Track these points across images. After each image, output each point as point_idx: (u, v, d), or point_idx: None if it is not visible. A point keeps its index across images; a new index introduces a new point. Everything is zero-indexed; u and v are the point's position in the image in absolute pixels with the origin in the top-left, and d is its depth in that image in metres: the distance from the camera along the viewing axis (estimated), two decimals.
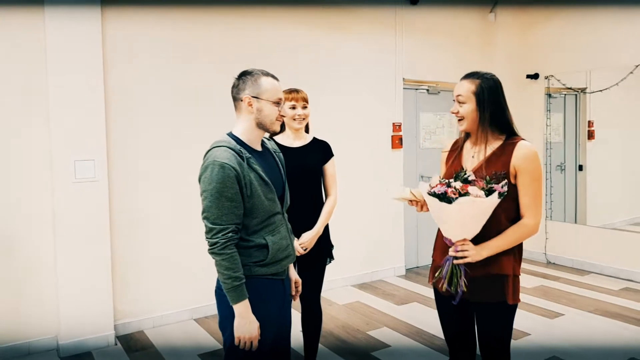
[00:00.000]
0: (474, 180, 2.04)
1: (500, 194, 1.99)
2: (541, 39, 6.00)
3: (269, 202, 2.07)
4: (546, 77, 5.98)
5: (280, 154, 2.33)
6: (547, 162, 6.08)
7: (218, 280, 2.12)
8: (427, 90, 5.88)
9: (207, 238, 1.97)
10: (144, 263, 4.21)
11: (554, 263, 5.99)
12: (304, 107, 2.99)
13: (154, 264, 4.25)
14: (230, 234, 1.96)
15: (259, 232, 2.06)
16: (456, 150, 2.31)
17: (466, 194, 1.97)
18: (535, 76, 6.05)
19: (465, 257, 2.06)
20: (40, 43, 3.71)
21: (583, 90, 5.91)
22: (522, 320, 4.23)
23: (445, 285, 2.13)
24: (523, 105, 6.18)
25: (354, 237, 5.27)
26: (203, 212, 2.00)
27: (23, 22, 3.67)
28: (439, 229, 2.24)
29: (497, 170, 2.09)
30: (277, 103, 2.09)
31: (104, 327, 3.93)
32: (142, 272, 4.21)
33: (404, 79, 5.52)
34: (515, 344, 3.80)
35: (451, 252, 2.09)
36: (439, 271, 2.18)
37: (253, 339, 1.99)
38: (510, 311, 2.17)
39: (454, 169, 2.21)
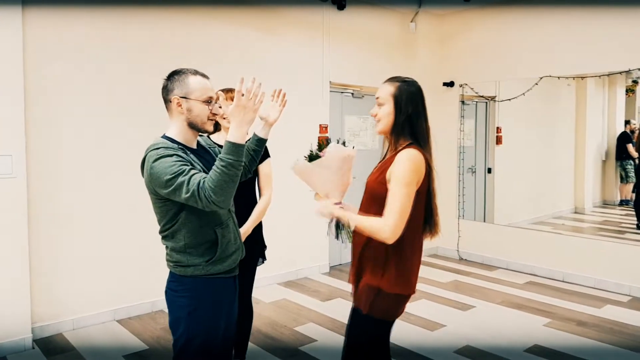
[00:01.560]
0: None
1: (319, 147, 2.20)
2: (457, 49, 6.38)
3: None
4: (461, 85, 6.37)
5: (216, 149, 2.35)
6: (459, 165, 6.47)
7: (168, 281, 2.12)
8: (352, 93, 6.07)
9: (197, 198, 1.84)
10: (63, 263, 4.06)
11: (465, 259, 6.38)
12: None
13: (74, 264, 4.11)
14: (197, 178, 1.87)
15: (207, 226, 2.04)
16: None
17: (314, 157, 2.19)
18: (451, 84, 6.42)
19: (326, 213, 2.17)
20: None
21: (493, 98, 6.35)
22: (437, 313, 4.51)
23: (334, 238, 2.26)
24: (439, 111, 6.53)
25: (280, 236, 5.35)
26: (174, 195, 1.89)
27: None
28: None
29: (380, 176, 2.10)
30: (207, 102, 2.06)
31: (21, 330, 3.76)
32: (62, 273, 4.06)
33: (330, 82, 5.68)
34: (432, 334, 4.05)
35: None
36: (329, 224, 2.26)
37: (250, 100, 1.91)
38: (368, 322, 2.12)
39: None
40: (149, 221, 2.06)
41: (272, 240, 5.25)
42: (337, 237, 2.26)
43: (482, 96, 6.35)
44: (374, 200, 2.12)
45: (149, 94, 4.24)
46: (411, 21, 6.28)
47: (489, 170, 6.56)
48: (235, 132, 1.86)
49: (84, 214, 4.14)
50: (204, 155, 2.16)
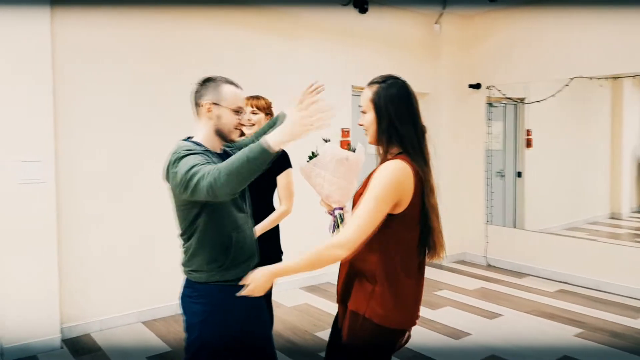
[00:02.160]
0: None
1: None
2: (483, 51, 6.27)
3: (232, 200, 2.05)
4: (487, 87, 6.25)
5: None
6: (487, 169, 6.34)
7: (183, 287, 2.13)
8: None
9: (206, 189, 1.77)
10: (91, 266, 4.16)
11: (493, 266, 6.25)
12: (254, 113, 3.08)
13: (101, 267, 4.20)
14: (207, 168, 1.82)
15: (224, 229, 2.04)
16: None
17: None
18: (477, 86, 6.31)
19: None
20: None
21: (522, 100, 6.21)
22: (463, 321, 4.42)
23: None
24: (465, 114, 6.44)
25: (301, 240, 5.34)
26: (192, 187, 1.82)
27: None
28: None
29: (362, 190, 1.86)
30: (237, 111, 2.08)
31: (50, 330, 3.86)
32: (90, 275, 4.16)
33: (352, 86, 5.65)
34: (456, 343, 3.98)
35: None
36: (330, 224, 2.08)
37: (305, 116, 1.74)
38: (346, 351, 1.88)
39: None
40: (174, 226, 2.08)
41: (294, 244, 5.27)
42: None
43: (510, 98, 6.22)
44: None
45: (178, 98, 4.30)
46: (435, 23, 6.20)
47: (519, 174, 6.41)
48: (275, 136, 1.74)
49: (111, 218, 4.22)
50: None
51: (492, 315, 4.58)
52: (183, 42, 4.51)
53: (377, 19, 5.80)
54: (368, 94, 1.89)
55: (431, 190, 1.86)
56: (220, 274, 2.05)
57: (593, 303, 4.90)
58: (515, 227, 6.31)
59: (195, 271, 2.08)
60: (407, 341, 1.98)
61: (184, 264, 2.13)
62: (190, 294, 2.11)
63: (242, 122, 2.12)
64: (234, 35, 4.79)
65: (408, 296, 1.86)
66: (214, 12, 4.67)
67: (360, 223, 1.71)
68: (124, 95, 4.25)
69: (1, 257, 3.68)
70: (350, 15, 5.59)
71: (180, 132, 2.20)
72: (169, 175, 1.98)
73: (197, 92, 2.11)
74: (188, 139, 2.10)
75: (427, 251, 1.91)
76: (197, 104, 2.11)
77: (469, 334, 4.15)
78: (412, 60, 6.16)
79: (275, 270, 1.83)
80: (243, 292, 1.86)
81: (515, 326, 4.34)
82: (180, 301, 2.17)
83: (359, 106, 1.95)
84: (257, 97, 3.11)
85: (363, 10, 5.58)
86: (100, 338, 4.06)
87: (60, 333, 3.94)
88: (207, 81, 2.11)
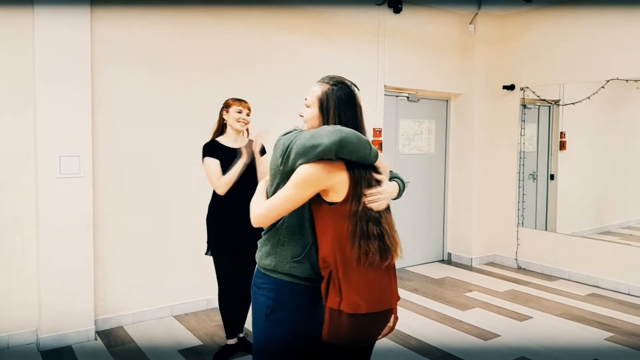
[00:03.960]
0: None
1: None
2: (518, 52, 6.21)
3: None
4: (522, 89, 6.18)
5: None
6: (520, 171, 6.27)
7: (254, 276, 2.11)
8: (407, 97, 6.03)
9: None
10: (125, 259, 4.26)
11: (524, 268, 6.18)
12: (248, 115, 3.53)
13: (135, 261, 4.30)
14: None
15: (305, 227, 2.02)
16: None
17: None
18: (511, 87, 6.24)
19: None
20: (28, 38, 3.73)
21: (556, 102, 6.13)
22: (492, 322, 4.39)
23: None
24: (499, 115, 6.38)
25: None
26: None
27: (12, 17, 3.70)
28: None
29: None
30: None
31: (85, 322, 3.96)
32: (123, 269, 4.25)
33: (385, 85, 5.66)
34: (486, 344, 3.96)
35: None
36: None
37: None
38: (327, 348, 1.96)
39: None
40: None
41: None
42: None
43: (544, 100, 6.14)
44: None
45: (215, 97, 4.36)
46: (470, 23, 6.16)
47: (552, 177, 6.32)
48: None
49: (145, 213, 4.32)
50: None
51: (522, 318, 4.54)
52: (220, 43, 4.57)
53: (411, 19, 5.79)
54: (317, 91, 1.99)
55: (363, 193, 1.90)
56: (294, 267, 2.04)
57: (624, 307, 4.82)
58: (546, 229, 6.23)
59: (267, 260, 2.10)
60: (393, 326, 2.03)
61: (260, 255, 2.15)
62: (260, 283, 2.13)
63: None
64: (269, 36, 4.84)
65: (375, 283, 1.91)
66: (249, 13, 4.72)
67: (272, 205, 1.91)
68: (160, 94, 4.33)
69: (39, 249, 3.80)
70: (384, 15, 5.59)
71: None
72: (289, 159, 1.96)
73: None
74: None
75: (380, 251, 1.91)
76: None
77: (498, 336, 4.12)
78: (446, 60, 6.13)
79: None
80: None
81: (544, 329, 4.30)
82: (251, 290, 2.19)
83: (305, 99, 2.03)
84: (245, 101, 3.55)
85: (397, 10, 5.57)
86: (133, 331, 4.16)
87: (95, 325, 4.05)
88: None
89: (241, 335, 3.73)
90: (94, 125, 4.02)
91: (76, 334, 3.92)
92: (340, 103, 1.95)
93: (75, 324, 3.93)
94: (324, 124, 1.95)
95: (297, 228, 2.02)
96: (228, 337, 3.68)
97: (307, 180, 1.85)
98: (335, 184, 1.88)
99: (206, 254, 3.59)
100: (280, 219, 2.01)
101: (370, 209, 1.90)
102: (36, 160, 3.78)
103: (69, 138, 3.84)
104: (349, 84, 2.01)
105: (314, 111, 1.98)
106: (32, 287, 3.87)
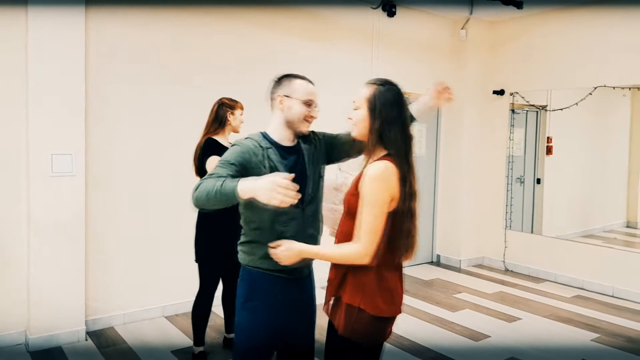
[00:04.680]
0: None
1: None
2: (508, 57, 6.29)
3: None
4: (511, 94, 6.27)
5: (320, 148, 2.35)
6: (508, 175, 6.36)
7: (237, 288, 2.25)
8: None
9: (192, 199, 2.09)
10: (116, 259, 4.23)
11: (511, 270, 6.27)
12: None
13: (126, 261, 4.27)
14: (204, 182, 2.04)
15: (274, 223, 2.14)
16: None
17: None
18: (501, 92, 6.33)
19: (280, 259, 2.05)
20: (21, 37, 3.69)
21: (544, 107, 6.22)
22: (482, 323, 4.45)
23: None
24: (489, 120, 6.46)
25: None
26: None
27: (5, 17, 3.66)
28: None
29: (355, 190, 1.97)
30: (307, 104, 2.21)
31: (75, 322, 3.93)
32: (115, 269, 4.22)
33: None
34: (477, 345, 4.01)
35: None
36: None
37: (277, 190, 1.84)
38: (341, 342, 1.97)
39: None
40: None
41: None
42: None
43: (533, 105, 6.23)
44: (350, 214, 1.98)
45: (208, 97, 4.35)
46: (462, 28, 6.23)
47: (538, 181, 6.42)
48: (247, 185, 1.90)
49: (137, 212, 4.29)
50: (295, 154, 2.23)
51: (511, 319, 4.60)
52: (212, 42, 4.57)
53: (404, 23, 5.84)
54: (365, 92, 2.02)
55: (412, 195, 1.96)
56: (263, 262, 2.18)
57: (609, 309, 4.92)
58: (533, 232, 6.32)
59: (243, 252, 2.28)
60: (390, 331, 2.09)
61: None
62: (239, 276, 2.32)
63: (312, 115, 2.22)
64: (262, 37, 4.85)
65: (394, 288, 1.98)
66: (246, 13, 4.72)
67: (370, 231, 1.88)
68: (153, 92, 4.32)
69: (30, 248, 3.76)
70: (378, 18, 5.64)
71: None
72: None
73: (272, 87, 2.26)
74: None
75: (403, 251, 1.99)
76: (272, 98, 2.25)
77: (488, 337, 4.18)
78: (438, 64, 6.20)
79: (304, 249, 2.03)
80: (272, 253, 2.04)
81: (533, 330, 4.37)
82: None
83: (354, 101, 2.06)
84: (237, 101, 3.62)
85: (391, 13, 5.62)
86: (124, 331, 4.13)
87: (85, 325, 4.00)
88: (281, 78, 2.26)
89: (231, 335, 3.73)
90: (87, 123, 3.98)
91: (66, 334, 3.88)
92: (388, 103, 1.98)
93: (65, 324, 3.89)
94: (372, 125, 1.98)
95: (267, 226, 2.14)
96: (198, 345, 3.63)
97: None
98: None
99: (196, 260, 3.57)
100: (254, 221, 2.15)
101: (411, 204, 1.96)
102: (28, 158, 3.74)
103: (61, 136, 3.80)
104: (396, 83, 2.06)
105: (363, 112, 2.01)
106: (21, 287, 3.82)
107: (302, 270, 2.25)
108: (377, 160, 1.94)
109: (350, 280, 1.95)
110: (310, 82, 2.26)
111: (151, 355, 3.72)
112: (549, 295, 5.32)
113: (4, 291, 3.77)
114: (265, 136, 2.20)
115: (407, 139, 1.98)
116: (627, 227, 6.44)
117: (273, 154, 2.15)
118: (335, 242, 2.09)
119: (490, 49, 6.44)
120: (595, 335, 4.26)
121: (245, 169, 2.08)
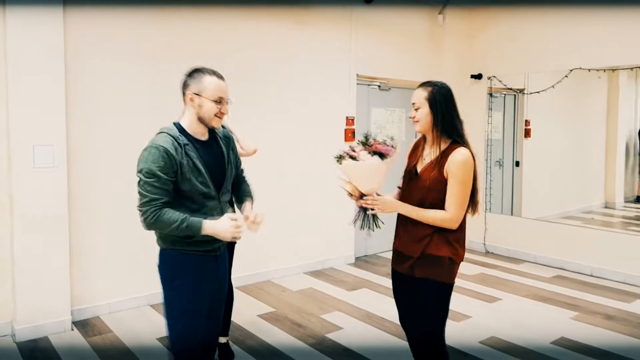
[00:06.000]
0: (373, 144, 2.42)
1: (381, 156, 2.37)
2: (485, 42, 6.36)
3: (202, 186, 2.24)
4: (489, 78, 6.34)
5: (232, 142, 2.49)
6: (487, 158, 6.45)
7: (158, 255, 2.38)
8: (379, 86, 6.12)
9: (139, 209, 2.20)
10: (100, 249, 4.24)
11: (492, 252, 6.39)
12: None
13: (110, 250, 4.28)
14: (160, 204, 2.16)
15: (197, 214, 2.24)
16: (418, 148, 2.61)
17: (353, 158, 2.39)
18: (478, 76, 6.40)
19: (373, 208, 2.46)
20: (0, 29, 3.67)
21: (521, 91, 6.31)
22: (463, 304, 4.54)
23: (358, 227, 2.56)
24: (467, 104, 6.50)
25: (307, 227, 5.45)
26: (138, 187, 2.21)
27: None
28: (397, 220, 2.60)
29: (437, 174, 2.41)
30: (217, 101, 2.25)
31: (61, 312, 3.94)
32: (99, 259, 4.23)
33: (357, 74, 5.73)
34: (458, 325, 4.10)
35: (360, 203, 2.49)
36: (354, 216, 2.59)
37: (234, 230, 2.20)
38: (445, 289, 2.48)
39: (409, 163, 2.60)
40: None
41: (300, 231, 5.39)
42: (362, 227, 2.53)
43: (510, 89, 6.32)
44: (432, 190, 2.42)
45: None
46: (439, 13, 6.27)
47: (517, 164, 6.53)
48: (210, 226, 2.19)
49: (120, 202, 4.28)
50: (211, 147, 2.34)
51: (492, 299, 4.71)
52: (188, 34, 4.56)
53: (382, 9, 5.86)
54: (424, 93, 2.45)
55: (476, 164, 2.48)
56: (189, 247, 2.33)
57: (588, 288, 5.05)
58: (512, 215, 6.44)
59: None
60: None
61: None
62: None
63: (222, 111, 2.28)
64: (239, 23, 4.84)
65: (464, 239, 2.53)
66: (219, 7, 4.71)
67: (461, 203, 2.39)
68: (134, 83, 4.30)
69: (14, 240, 3.75)
70: (356, 4, 5.65)
71: None
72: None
73: (184, 82, 2.31)
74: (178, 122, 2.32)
75: (472, 208, 2.50)
76: (183, 94, 2.31)
77: (469, 317, 4.27)
78: (416, 50, 6.24)
79: (399, 206, 2.48)
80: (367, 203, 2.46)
81: (513, 309, 4.47)
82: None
83: (413, 103, 2.48)
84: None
85: (368, 0, 5.64)
86: (110, 320, 4.15)
87: (71, 315, 4.02)
88: (193, 72, 2.30)
89: (224, 340, 3.54)
90: (68, 115, 3.96)
91: (52, 324, 3.90)
92: (444, 99, 2.41)
93: (51, 314, 3.90)
94: (434, 121, 2.41)
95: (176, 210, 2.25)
96: None
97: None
98: None
99: None
100: (182, 211, 2.24)
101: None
102: (9, 150, 3.72)
103: (42, 127, 3.78)
104: (445, 83, 2.46)
105: (425, 110, 2.43)
106: (6, 278, 3.82)
107: (220, 248, 2.38)
108: (454, 148, 2.39)
109: (437, 239, 2.42)
110: (220, 77, 2.29)
111: (137, 343, 3.75)
112: (529, 276, 5.44)
113: None
114: (181, 130, 2.27)
115: (462, 124, 2.47)
116: (605, 207, 6.58)
117: (191, 150, 2.23)
118: (407, 203, 2.48)
119: (468, 33, 6.50)
120: (575, 313, 4.38)
121: (173, 172, 2.18)
